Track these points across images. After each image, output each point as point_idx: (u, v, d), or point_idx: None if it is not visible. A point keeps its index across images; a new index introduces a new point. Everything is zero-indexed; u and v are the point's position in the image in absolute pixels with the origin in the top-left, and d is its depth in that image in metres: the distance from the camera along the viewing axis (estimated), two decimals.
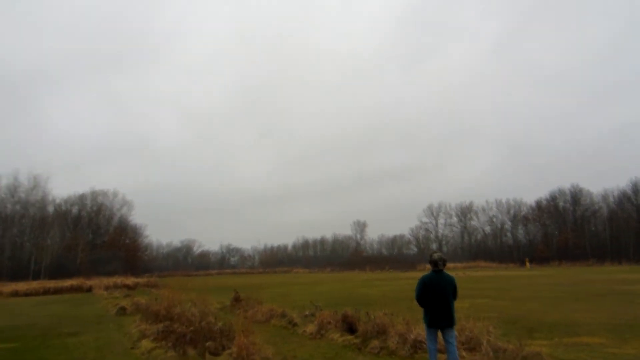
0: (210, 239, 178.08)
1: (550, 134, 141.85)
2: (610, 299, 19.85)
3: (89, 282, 44.10)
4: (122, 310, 20.30)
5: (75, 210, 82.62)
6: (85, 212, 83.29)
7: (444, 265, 7.50)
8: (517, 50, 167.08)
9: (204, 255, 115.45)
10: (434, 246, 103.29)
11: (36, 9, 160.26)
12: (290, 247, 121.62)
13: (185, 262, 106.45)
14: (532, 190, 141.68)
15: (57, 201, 79.36)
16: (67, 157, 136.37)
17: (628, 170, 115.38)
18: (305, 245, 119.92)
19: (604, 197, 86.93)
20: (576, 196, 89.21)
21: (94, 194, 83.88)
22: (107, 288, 39.11)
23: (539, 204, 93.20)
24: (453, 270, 61.50)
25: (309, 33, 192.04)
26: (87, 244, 76.72)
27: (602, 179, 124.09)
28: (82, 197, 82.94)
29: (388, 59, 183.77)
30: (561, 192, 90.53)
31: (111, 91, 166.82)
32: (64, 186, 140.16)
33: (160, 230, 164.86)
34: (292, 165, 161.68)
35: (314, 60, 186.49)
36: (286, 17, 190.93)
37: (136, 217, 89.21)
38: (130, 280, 46.34)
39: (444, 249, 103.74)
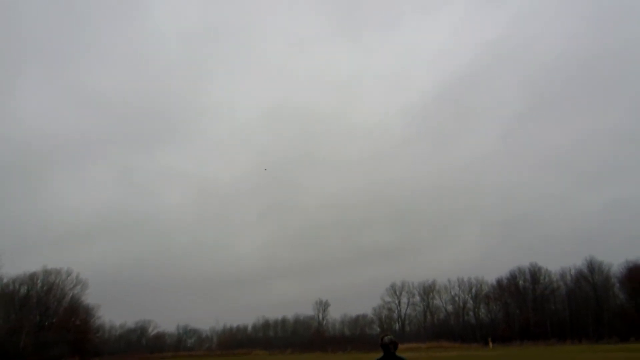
0: (167, 320, 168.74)
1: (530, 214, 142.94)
2: None
3: None
4: None
5: (23, 290, 78.26)
6: (34, 291, 78.85)
7: (395, 348, 7.38)
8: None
9: (159, 337, 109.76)
10: (397, 326, 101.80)
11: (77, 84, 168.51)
12: (250, 327, 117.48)
13: (139, 344, 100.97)
14: (496, 269, 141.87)
15: (5, 280, 75.07)
16: (56, 232, 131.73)
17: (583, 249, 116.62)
18: (266, 325, 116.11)
19: (562, 275, 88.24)
20: (535, 275, 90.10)
21: (46, 273, 79.73)
22: None
23: (499, 283, 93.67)
24: (416, 350, 60.44)
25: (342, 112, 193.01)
26: (34, 326, 72.30)
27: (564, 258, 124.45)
28: (32, 276, 78.65)
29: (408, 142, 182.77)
30: (520, 270, 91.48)
31: (123, 166, 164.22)
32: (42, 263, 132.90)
33: (120, 311, 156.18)
34: (275, 246, 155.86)
35: (342, 138, 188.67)
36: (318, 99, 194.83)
37: (92, 297, 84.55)
38: None
39: (407, 328, 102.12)
